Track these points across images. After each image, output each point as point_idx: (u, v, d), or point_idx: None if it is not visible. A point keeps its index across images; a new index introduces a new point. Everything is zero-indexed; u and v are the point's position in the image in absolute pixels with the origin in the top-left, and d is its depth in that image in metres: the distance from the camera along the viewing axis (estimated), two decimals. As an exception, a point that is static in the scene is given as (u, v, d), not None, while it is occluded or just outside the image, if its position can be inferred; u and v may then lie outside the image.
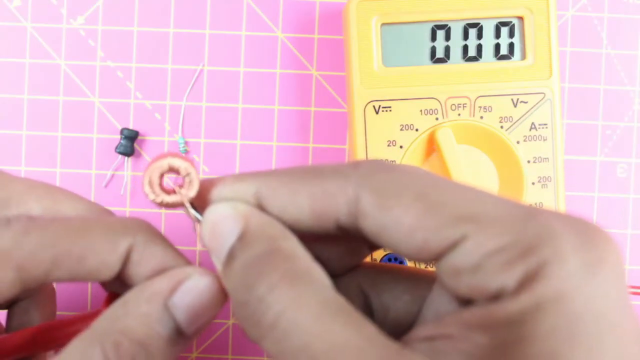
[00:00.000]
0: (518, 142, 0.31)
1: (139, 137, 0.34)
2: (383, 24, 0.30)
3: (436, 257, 0.16)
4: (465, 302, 0.16)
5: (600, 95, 0.35)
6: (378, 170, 0.16)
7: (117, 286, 0.20)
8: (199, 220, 0.18)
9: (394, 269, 0.20)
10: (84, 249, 0.18)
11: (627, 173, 0.35)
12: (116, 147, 0.34)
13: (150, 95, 0.35)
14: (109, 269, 0.19)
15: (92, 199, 0.35)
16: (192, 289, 0.18)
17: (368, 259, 0.31)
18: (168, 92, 0.35)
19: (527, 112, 0.31)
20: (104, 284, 0.21)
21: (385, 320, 0.19)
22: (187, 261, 0.20)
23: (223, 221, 0.17)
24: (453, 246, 0.15)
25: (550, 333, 0.13)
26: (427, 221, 0.15)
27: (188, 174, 0.19)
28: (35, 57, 0.35)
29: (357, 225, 0.16)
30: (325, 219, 0.17)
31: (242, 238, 0.16)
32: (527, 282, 0.14)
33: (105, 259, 0.18)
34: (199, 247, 0.35)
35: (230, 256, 0.16)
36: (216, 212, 0.17)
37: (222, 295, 0.19)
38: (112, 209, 0.34)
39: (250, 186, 0.17)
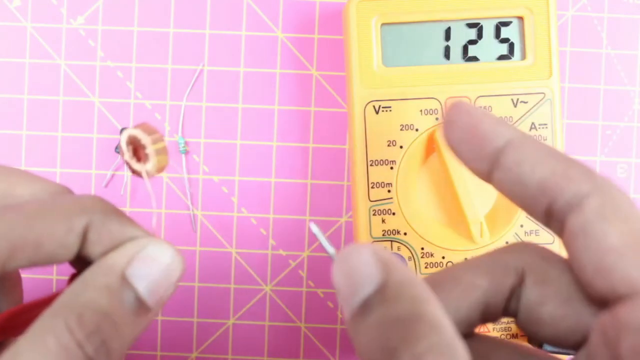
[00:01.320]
0: (518, 142, 0.31)
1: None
2: (383, 24, 0.30)
3: (615, 295, 0.15)
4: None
5: (600, 95, 0.35)
6: (614, 187, 0.16)
7: (80, 265, 0.20)
8: (331, 256, 0.18)
9: (507, 344, 0.19)
10: (39, 235, 0.18)
11: (627, 173, 0.35)
12: (116, 147, 0.34)
13: (150, 95, 0.35)
14: (67, 251, 0.19)
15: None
16: (147, 258, 0.19)
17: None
18: (168, 92, 0.35)
19: (527, 112, 0.31)
20: (70, 263, 0.21)
21: None
22: (146, 232, 0.20)
23: (363, 264, 0.16)
24: (636, 296, 0.14)
25: None
26: (633, 253, 0.15)
27: (144, 148, 0.19)
28: (35, 57, 0.35)
29: (564, 216, 0.16)
30: (549, 198, 0.16)
31: (382, 291, 0.15)
32: None
33: (62, 242, 0.18)
34: (198, 247, 0.35)
35: (366, 307, 0.15)
36: (354, 253, 0.16)
37: (180, 264, 0.19)
38: (112, 209, 0.34)
39: (511, 136, 0.17)
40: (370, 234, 0.31)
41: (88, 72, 0.35)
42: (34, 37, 0.35)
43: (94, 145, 0.35)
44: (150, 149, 0.18)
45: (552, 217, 0.16)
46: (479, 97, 0.30)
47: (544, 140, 0.31)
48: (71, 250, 0.19)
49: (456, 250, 0.30)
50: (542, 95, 0.31)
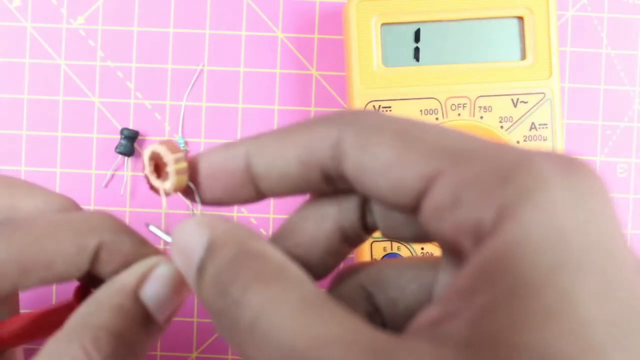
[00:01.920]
0: (518, 142, 0.31)
1: (139, 137, 0.34)
2: (383, 24, 0.30)
3: (415, 200, 0.15)
4: (458, 256, 0.14)
5: (600, 95, 0.35)
6: (362, 114, 0.16)
7: (87, 279, 0.20)
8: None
9: (395, 262, 0.19)
10: (51, 256, 0.18)
11: (627, 173, 0.35)
12: (116, 147, 0.34)
13: (150, 95, 0.35)
14: (78, 271, 0.19)
15: (92, 199, 0.35)
16: (159, 278, 0.19)
17: (368, 241, 0.31)
18: (168, 92, 0.35)
19: (527, 112, 0.31)
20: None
21: (396, 314, 0.18)
22: (155, 250, 0.20)
23: (188, 236, 0.16)
24: (429, 183, 0.14)
25: (550, 271, 0.12)
26: (403, 157, 0.15)
27: (166, 165, 0.19)
28: (35, 57, 0.35)
29: (340, 171, 0.16)
30: (312, 169, 0.16)
31: (210, 248, 0.16)
32: (508, 210, 0.13)
33: (73, 262, 0.18)
34: (199, 247, 0.35)
35: (201, 268, 0.15)
36: (180, 230, 0.17)
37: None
38: (112, 209, 0.34)
39: (239, 149, 0.17)
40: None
41: (88, 72, 0.35)
42: (34, 37, 0.35)
43: (94, 145, 0.35)
44: (171, 168, 0.18)
45: (327, 180, 0.17)
46: (479, 97, 0.30)
47: (544, 140, 0.31)
48: (82, 270, 0.19)
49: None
50: (542, 95, 0.31)
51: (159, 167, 0.19)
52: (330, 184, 0.17)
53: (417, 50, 0.31)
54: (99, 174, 0.35)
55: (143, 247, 0.20)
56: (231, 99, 0.35)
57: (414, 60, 0.31)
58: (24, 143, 0.35)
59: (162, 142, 0.19)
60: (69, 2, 0.35)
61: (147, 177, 0.19)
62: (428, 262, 0.18)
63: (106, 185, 0.35)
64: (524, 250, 0.12)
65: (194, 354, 0.35)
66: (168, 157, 0.18)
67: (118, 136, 0.34)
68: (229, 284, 0.15)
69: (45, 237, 0.18)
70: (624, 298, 0.12)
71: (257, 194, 0.18)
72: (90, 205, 0.35)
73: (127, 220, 0.35)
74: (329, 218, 0.18)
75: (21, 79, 0.35)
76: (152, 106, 0.35)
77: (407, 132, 0.15)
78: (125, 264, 0.19)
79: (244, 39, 0.35)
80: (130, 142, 0.34)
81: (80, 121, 0.35)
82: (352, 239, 0.18)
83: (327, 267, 0.19)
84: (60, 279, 0.19)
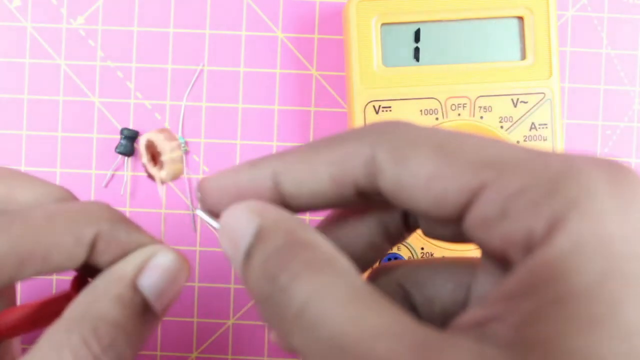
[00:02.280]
0: (518, 142, 0.31)
1: (139, 137, 0.34)
2: (383, 24, 0.30)
3: (458, 211, 0.15)
4: (505, 268, 0.14)
5: (600, 95, 0.35)
6: (394, 127, 0.16)
7: (84, 269, 0.20)
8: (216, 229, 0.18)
9: (432, 261, 0.19)
10: (48, 247, 0.18)
11: (627, 173, 0.35)
12: (116, 147, 0.34)
13: (150, 95, 0.35)
14: (75, 261, 0.19)
15: (92, 199, 0.35)
16: (157, 267, 0.19)
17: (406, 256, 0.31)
18: (168, 92, 0.35)
19: (527, 112, 0.31)
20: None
21: (432, 313, 0.18)
22: (152, 239, 0.20)
23: (238, 222, 0.16)
24: (474, 195, 0.14)
25: (598, 280, 0.12)
26: (445, 170, 0.14)
27: (160, 154, 0.19)
28: (35, 57, 0.35)
29: (376, 186, 0.16)
30: (345, 186, 0.16)
31: (259, 234, 0.16)
32: (558, 222, 0.13)
33: (70, 253, 0.18)
34: (198, 247, 0.35)
35: (248, 255, 0.16)
36: (230, 215, 0.17)
37: (186, 270, 0.20)
38: (112, 209, 0.35)
39: (266, 169, 0.17)
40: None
41: (88, 72, 0.35)
42: (34, 37, 0.35)
43: (94, 145, 0.35)
44: (166, 157, 0.18)
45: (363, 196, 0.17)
46: (479, 97, 0.30)
47: (544, 140, 0.31)
48: (79, 260, 0.19)
49: (456, 250, 0.30)
50: (542, 95, 0.31)
51: (154, 156, 0.19)
52: (365, 199, 0.17)
53: (417, 50, 0.31)
54: (99, 174, 0.35)
55: (140, 236, 0.20)
56: (231, 99, 0.35)
57: (414, 60, 0.31)
58: (24, 143, 0.35)
59: (159, 131, 0.19)
60: (69, 2, 0.35)
61: (144, 166, 0.19)
62: (465, 262, 0.18)
63: (106, 185, 0.35)
64: (573, 260, 0.12)
65: (194, 354, 0.35)
66: (163, 146, 0.18)
67: (118, 136, 0.34)
68: (278, 270, 0.15)
69: (43, 228, 0.18)
70: None
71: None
72: (90, 205, 0.35)
73: (127, 220, 0.35)
74: (373, 214, 0.18)
75: (21, 79, 0.35)
76: (152, 106, 0.35)
77: (444, 145, 0.15)
78: (123, 254, 0.19)
79: (244, 39, 0.35)
80: (130, 142, 0.34)
81: (80, 121, 0.35)
82: (393, 236, 0.18)
83: (367, 261, 0.19)
84: (58, 270, 0.18)
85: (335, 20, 0.35)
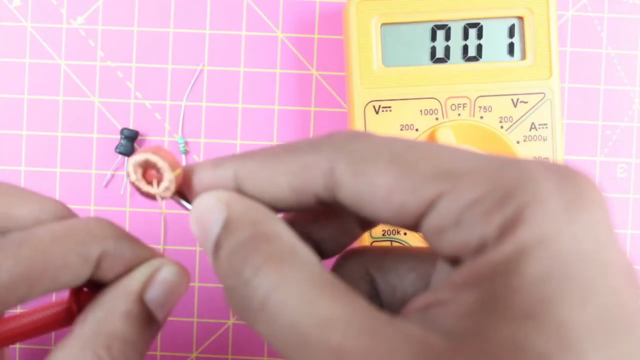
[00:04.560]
0: (518, 142, 0.31)
1: (139, 137, 0.34)
2: (383, 24, 0.30)
3: (417, 220, 0.15)
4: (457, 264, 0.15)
5: (600, 95, 0.35)
6: (351, 139, 0.16)
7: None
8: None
9: (399, 250, 0.20)
10: (57, 269, 0.18)
11: (627, 173, 0.35)
12: (116, 147, 0.34)
13: (150, 95, 0.35)
14: (81, 279, 0.19)
15: (92, 199, 0.35)
16: (162, 281, 0.20)
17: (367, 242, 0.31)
18: (168, 92, 0.35)
19: (527, 112, 0.31)
20: None
21: (393, 300, 0.19)
22: (153, 252, 0.21)
23: (207, 212, 0.17)
24: (431, 205, 0.15)
25: (538, 279, 0.13)
26: (403, 182, 0.15)
27: (161, 174, 0.19)
28: (35, 57, 0.35)
29: (335, 197, 0.16)
30: (305, 195, 0.17)
31: (226, 226, 0.16)
32: (507, 228, 0.13)
33: (77, 272, 0.19)
34: (198, 247, 0.35)
35: (217, 245, 0.16)
36: (200, 204, 0.17)
37: (187, 281, 0.21)
38: (112, 209, 0.35)
39: (228, 170, 0.18)
40: (370, 233, 0.31)
41: (88, 72, 0.35)
42: (34, 37, 0.35)
43: (94, 145, 0.35)
44: (168, 176, 0.18)
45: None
46: (479, 97, 0.30)
47: (544, 140, 0.31)
48: (84, 278, 0.19)
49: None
50: (542, 95, 0.31)
51: (147, 173, 0.19)
52: (325, 206, 0.17)
53: (417, 50, 0.31)
54: (99, 174, 0.35)
55: (142, 251, 0.20)
56: (231, 99, 0.35)
57: (414, 61, 0.31)
58: (24, 143, 0.35)
59: (154, 151, 0.19)
60: (69, 2, 0.35)
61: (134, 184, 0.19)
62: (429, 254, 0.19)
63: (106, 185, 0.35)
64: (516, 260, 0.13)
65: (194, 354, 0.35)
66: (163, 165, 0.18)
67: (118, 136, 0.34)
68: (242, 264, 0.15)
69: (51, 250, 0.18)
70: (606, 304, 0.13)
71: None
72: (90, 206, 0.35)
73: (127, 220, 0.35)
74: (333, 218, 0.19)
75: (21, 79, 0.35)
76: (152, 106, 0.35)
77: (401, 156, 0.15)
78: (126, 269, 0.20)
79: (244, 39, 0.35)
80: (130, 142, 0.34)
81: (80, 121, 0.35)
82: (364, 223, 0.19)
83: (340, 245, 0.19)
84: (64, 288, 0.19)
85: (335, 20, 0.35)
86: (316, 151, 0.16)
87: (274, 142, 0.35)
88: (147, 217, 0.35)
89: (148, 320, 0.20)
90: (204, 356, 0.35)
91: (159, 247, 0.22)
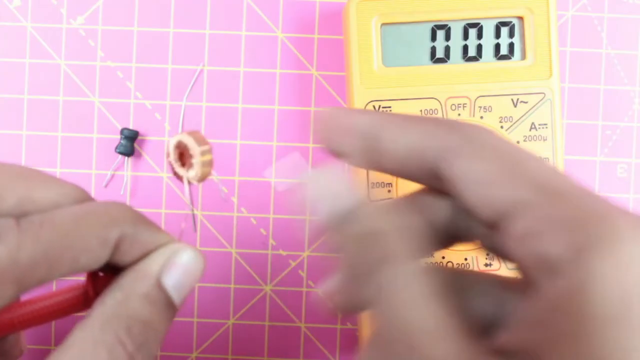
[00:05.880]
0: (518, 142, 0.31)
1: (139, 137, 0.34)
2: (383, 24, 0.30)
3: (497, 218, 0.16)
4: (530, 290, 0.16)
5: (600, 95, 0.35)
6: (478, 130, 0.18)
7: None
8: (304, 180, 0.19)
9: (477, 273, 0.20)
10: (77, 251, 0.18)
11: (627, 173, 0.35)
12: (116, 147, 0.34)
13: (150, 95, 0.35)
14: (99, 262, 0.19)
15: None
16: (180, 265, 0.20)
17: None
18: (168, 92, 0.35)
19: (527, 112, 0.31)
20: None
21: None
22: (171, 237, 0.21)
23: (341, 184, 0.18)
24: (516, 209, 0.16)
25: (607, 319, 0.13)
26: (502, 178, 0.16)
27: (191, 157, 0.19)
28: (35, 57, 0.35)
29: (441, 169, 0.18)
30: (426, 159, 0.18)
31: (364, 207, 0.17)
32: (582, 254, 0.14)
33: (96, 255, 0.19)
34: (199, 248, 0.35)
35: (351, 217, 0.17)
36: (334, 175, 0.18)
37: (203, 265, 0.21)
38: (112, 209, 0.34)
39: (370, 119, 0.19)
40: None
41: (88, 72, 0.35)
42: (34, 37, 0.35)
43: (94, 145, 0.35)
44: (197, 159, 0.19)
45: (435, 176, 0.18)
46: (479, 97, 0.30)
47: (544, 140, 0.31)
48: (102, 261, 0.19)
49: (456, 250, 0.30)
50: (542, 95, 0.31)
51: (183, 156, 0.19)
52: (433, 180, 0.18)
53: (417, 50, 0.31)
54: (99, 174, 0.35)
55: (160, 236, 0.20)
56: (231, 99, 0.35)
57: (414, 61, 0.31)
58: (24, 143, 0.35)
59: (190, 133, 0.19)
60: (69, 2, 0.35)
61: (171, 164, 0.19)
62: (505, 281, 0.20)
63: (106, 185, 0.35)
64: (589, 298, 0.13)
65: (194, 354, 0.35)
66: (195, 150, 0.18)
67: (118, 136, 0.34)
68: (372, 249, 0.17)
69: (71, 232, 0.18)
70: None
71: (376, 166, 0.19)
72: (90, 205, 0.35)
73: (127, 220, 0.35)
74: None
75: (21, 79, 0.35)
76: (152, 106, 0.35)
77: (511, 157, 0.17)
78: (144, 252, 0.20)
79: (244, 39, 0.35)
80: (130, 142, 0.34)
81: (80, 121, 0.35)
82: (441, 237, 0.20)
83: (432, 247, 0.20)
84: (82, 271, 0.19)
85: (335, 20, 0.35)
86: (449, 127, 0.18)
87: (274, 142, 0.35)
88: (148, 216, 0.34)
89: (167, 303, 0.20)
90: (204, 356, 0.35)
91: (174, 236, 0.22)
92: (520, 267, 0.16)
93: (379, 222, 0.17)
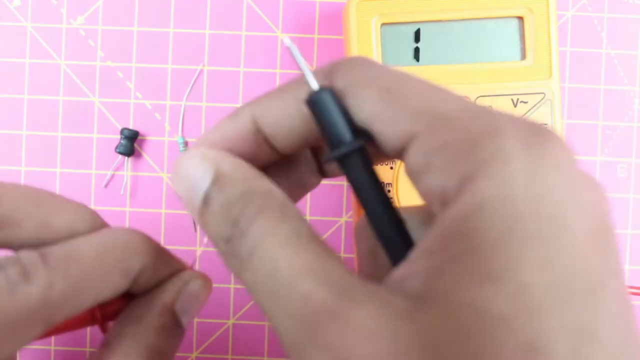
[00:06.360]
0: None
1: (139, 137, 0.34)
2: (383, 24, 0.30)
3: (396, 154, 0.16)
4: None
5: (600, 95, 0.35)
6: (354, 64, 0.17)
7: None
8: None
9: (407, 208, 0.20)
10: (102, 287, 0.19)
11: (627, 173, 0.35)
12: (116, 147, 0.34)
13: (150, 95, 0.35)
14: (119, 293, 0.20)
15: (92, 199, 0.35)
16: (190, 294, 0.22)
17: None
18: (168, 92, 0.35)
19: (527, 112, 0.31)
20: None
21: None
22: (182, 264, 0.22)
23: (193, 169, 0.17)
24: (408, 143, 0.15)
25: (497, 239, 0.13)
26: (385, 112, 0.16)
27: None
28: (35, 57, 0.35)
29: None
30: (311, 119, 0.17)
31: (217, 181, 0.17)
32: (467, 180, 0.14)
33: (117, 288, 0.20)
34: (199, 247, 0.35)
35: (207, 200, 0.17)
36: (184, 161, 0.18)
37: (210, 290, 0.22)
38: (112, 209, 0.34)
39: (246, 114, 0.18)
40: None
41: (88, 72, 0.35)
42: (34, 37, 0.35)
43: (94, 145, 0.35)
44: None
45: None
46: (479, 97, 0.30)
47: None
48: (122, 291, 0.20)
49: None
50: (542, 95, 0.31)
51: None
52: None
53: (417, 50, 0.31)
54: (99, 174, 0.35)
55: (173, 265, 0.22)
56: (231, 99, 0.35)
57: (414, 60, 0.31)
58: (24, 143, 0.35)
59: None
60: (69, 2, 0.35)
61: None
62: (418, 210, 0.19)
63: (106, 185, 0.35)
64: (477, 219, 0.13)
65: (194, 354, 0.35)
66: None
67: (118, 136, 0.34)
68: (239, 215, 0.16)
69: (97, 268, 0.19)
70: (566, 264, 0.13)
71: (275, 153, 0.19)
72: (90, 206, 0.35)
73: (127, 220, 0.35)
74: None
75: (21, 79, 0.35)
76: (152, 106, 0.35)
77: (392, 88, 0.16)
78: (158, 281, 0.21)
79: (244, 39, 0.35)
80: (130, 142, 0.34)
81: (80, 121, 0.35)
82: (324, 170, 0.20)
83: (294, 197, 0.21)
84: (103, 302, 0.20)
85: (335, 20, 0.35)
86: (322, 74, 0.17)
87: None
88: (147, 217, 0.35)
89: (177, 329, 0.21)
90: (204, 356, 0.35)
91: (185, 263, 0.23)
92: (420, 197, 0.16)
93: (237, 187, 0.17)
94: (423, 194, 0.15)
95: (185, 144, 0.34)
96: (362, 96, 0.16)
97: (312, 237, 0.16)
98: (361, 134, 0.17)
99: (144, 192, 0.35)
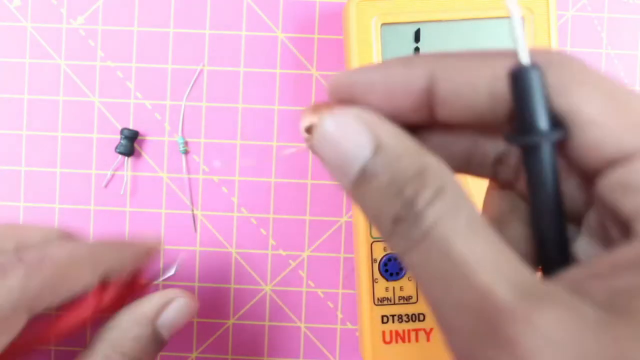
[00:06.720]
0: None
1: (139, 137, 0.34)
2: (383, 24, 0.30)
3: (604, 164, 0.14)
4: (611, 240, 0.15)
5: (600, 95, 0.35)
6: (570, 60, 0.15)
7: None
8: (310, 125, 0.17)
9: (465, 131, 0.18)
10: (72, 282, 0.23)
11: (627, 173, 0.35)
12: (116, 147, 0.34)
13: (150, 95, 0.35)
14: (91, 287, 0.24)
15: (92, 199, 0.35)
16: (174, 310, 0.25)
17: (367, 242, 0.31)
18: (168, 92, 0.35)
19: (527, 112, 0.31)
20: None
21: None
22: (147, 248, 0.26)
23: (350, 134, 0.15)
24: (628, 158, 0.14)
25: None
26: (610, 119, 0.14)
27: (313, 126, 0.17)
28: (35, 57, 0.35)
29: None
30: (503, 103, 0.15)
31: (381, 153, 0.15)
32: None
33: (88, 283, 0.23)
34: (198, 247, 0.35)
35: (367, 172, 0.15)
36: (337, 123, 0.16)
37: (195, 310, 0.25)
38: (112, 209, 0.35)
39: (423, 68, 0.16)
40: (371, 234, 0.31)
41: (88, 72, 0.35)
42: (34, 37, 0.35)
43: (94, 145, 0.35)
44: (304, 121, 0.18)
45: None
46: (479, 97, 0.30)
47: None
48: (93, 286, 0.24)
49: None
50: (542, 95, 0.30)
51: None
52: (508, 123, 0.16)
53: (417, 50, 0.31)
54: (99, 174, 0.35)
55: (139, 253, 0.26)
56: (231, 99, 0.35)
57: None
58: (24, 143, 0.35)
59: (311, 107, 0.17)
60: (69, 2, 0.35)
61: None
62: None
63: (106, 185, 0.35)
64: None
65: (194, 354, 0.35)
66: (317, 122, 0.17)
67: (118, 136, 0.34)
68: (414, 195, 0.15)
69: (67, 266, 0.23)
70: None
71: (429, 119, 0.17)
72: (90, 206, 0.35)
73: (127, 220, 0.35)
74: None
75: (21, 79, 0.35)
76: (152, 106, 0.35)
77: (616, 93, 0.14)
78: (133, 270, 0.25)
79: (244, 39, 0.35)
80: (130, 142, 0.34)
81: (80, 121, 0.35)
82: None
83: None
84: (78, 295, 0.23)
85: (335, 20, 0.35)
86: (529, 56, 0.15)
87: (274, 142, 0.35)
88: (147, 217, 0.35)
89: (156, 340, 0.24)
90: (204, 356, 0.35)
91: (157, 248, 0.24)
92: (612, 214, 0.15)
93: (407, 162, 0.15)
94: (627, 210, 0.14)
95: (185, 143, 0.34)
96: (584, 95, 0.14)
97: (484, 223, 0.14)
98: (557, 127, 0.15)
99: (144, 192, 0.35)
